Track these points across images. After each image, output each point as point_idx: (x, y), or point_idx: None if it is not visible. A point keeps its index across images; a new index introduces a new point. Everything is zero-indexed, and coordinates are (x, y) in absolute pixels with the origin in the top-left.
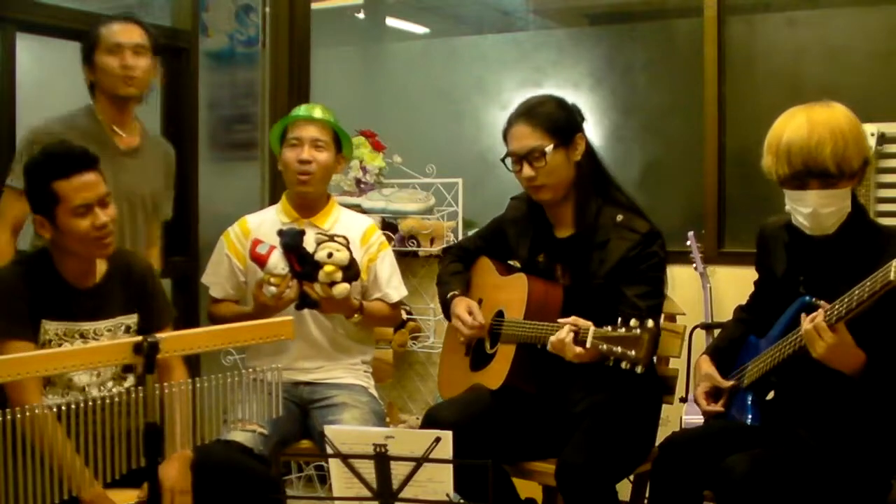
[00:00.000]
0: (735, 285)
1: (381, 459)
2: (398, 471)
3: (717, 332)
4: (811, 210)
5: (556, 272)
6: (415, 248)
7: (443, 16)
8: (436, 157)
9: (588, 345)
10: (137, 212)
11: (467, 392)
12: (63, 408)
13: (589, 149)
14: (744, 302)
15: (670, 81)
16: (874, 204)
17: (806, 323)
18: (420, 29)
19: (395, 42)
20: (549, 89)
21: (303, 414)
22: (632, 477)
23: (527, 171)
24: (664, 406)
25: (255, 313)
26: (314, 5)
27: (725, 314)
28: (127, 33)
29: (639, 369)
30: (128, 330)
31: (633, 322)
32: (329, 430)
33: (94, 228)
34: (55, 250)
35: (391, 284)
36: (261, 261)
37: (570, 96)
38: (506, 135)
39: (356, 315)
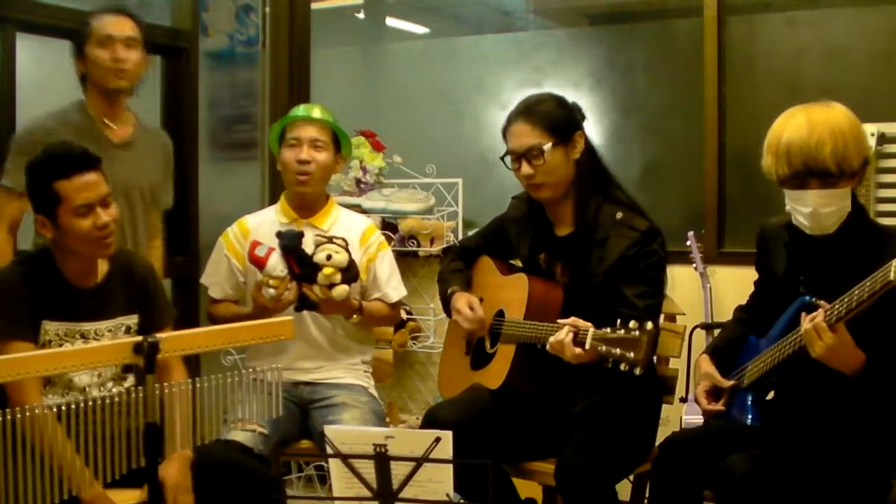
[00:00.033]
0: (735, 285)
1: (381, 459)
2: (398, 471)
3: (717, 332)
4: (811, 210)
5: (555, 270)
6: (415, 248)
7: (443, 16)
8: (436, 157)
9: (587, 346)
10: (135, 203)
11: (467, 392)
12: (63, 408)
13: (589, 147)
14: (744, 302)
15: (670, 81)
16: (874, 204)
17: (805, 323)
18: (420, 29)
19: (395, 42)
20: (549, 89)
21: (303, 414)
22: (632, 477)
23: (525, 169)
24: (664, 406)
25: (254, 315)
26: (314, 5)
27: (725, 314)
28: (118, 26)
29: (637, 371)
30: (128, 330)
31: (632, 324)
32: (329, 430)
33: (95, 228)
34: (56, 250)
35: (390, 284)
36: (259, 263)
37: (570, 96)
38: (505, 133)
39: (355, 315)
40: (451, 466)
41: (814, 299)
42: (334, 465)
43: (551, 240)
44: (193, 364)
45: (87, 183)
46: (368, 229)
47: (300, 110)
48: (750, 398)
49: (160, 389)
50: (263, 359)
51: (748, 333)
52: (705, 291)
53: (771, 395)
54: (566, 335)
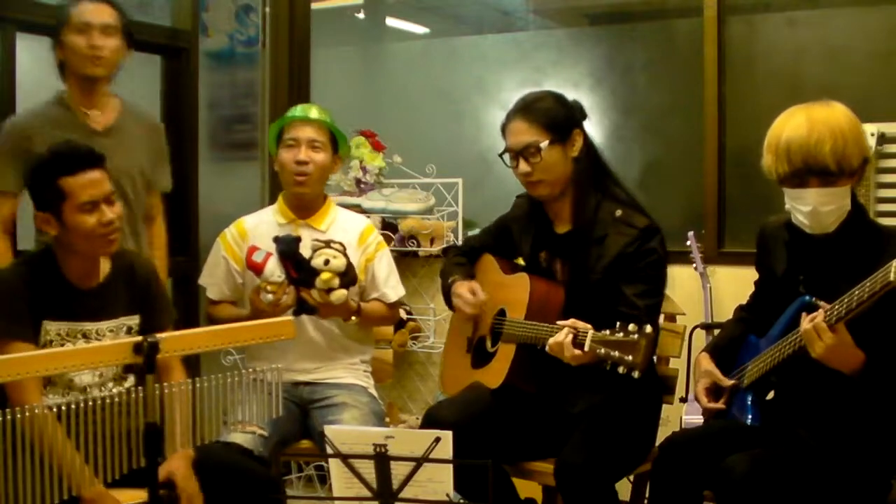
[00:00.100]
0: (735, 285)
1: (381, 459)
2: (398, 471)
3: (716, 332)
4: (811, 208)
5: (555, 268)
6: (415, 248)
7: (443, 16)
8: (436, 157)
9: (586, 348)
10: (126, 189)
11: (467, 391)
12: (63, 408)
13: (588, 145)
14: (744, 302)
15: (670, 81)
16: (874, 204)
17: (805, 323)
18: (420, 29)
19: (395, 42)
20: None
21: (303, 414)
22: (632, 477)
23: (523, 166)
24: (664, 406)
25: (252, 319)
26: (314, 5)
27: (725, 314)
28: (97, 13)
29: (635, 374)
30: (130, 331)
31: (631, 327)
32: (329, 430)
33: (100, 225)
34: (59, 249)
35: (388, 284)
36: (257, 269)
37: (570, 96)
38: (504, 130)
39: (353, 317)
40: (451, 466)
41: (814, 299)
42: (334, 465)
43: (551, 238)
44: (193, 364)
45: (92, 180)
46: (367, 229)
47: (298, 111)
48: (750, 398)
49: (160, 389)
50: (263, 360)
51: (748, 333)
52: (705, 291)
53: (771, 395)
54: (565, 336)
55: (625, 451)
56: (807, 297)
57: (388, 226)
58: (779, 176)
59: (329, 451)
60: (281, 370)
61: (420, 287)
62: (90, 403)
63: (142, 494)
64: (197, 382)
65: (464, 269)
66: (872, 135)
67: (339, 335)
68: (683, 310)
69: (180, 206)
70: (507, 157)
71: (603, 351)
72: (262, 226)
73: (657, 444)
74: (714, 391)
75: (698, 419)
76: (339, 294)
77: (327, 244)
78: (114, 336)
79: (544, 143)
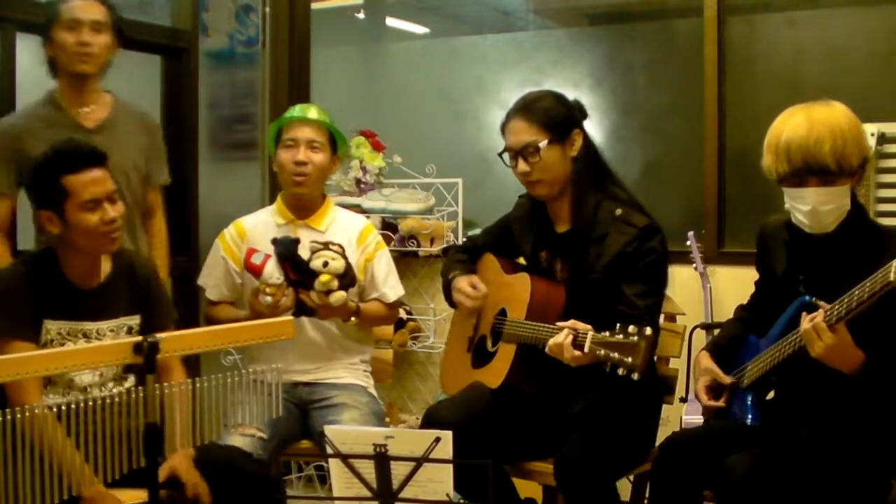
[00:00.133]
0: (735, 285)
1: (381, 459)
2: (398, 471)
3: (716, 332)
4: (810, 207)
5: (556, 268)
6: (415, 248)
7: (443, 16)
8: (436, 157)
9: (586, 349)
10: (121, 185)
11: (467, 391)
12: (63, 408)
13: (588, 144)
14: (744, 302)
15: (670, 81)
16: (874, 204)
17: (805, 323)
18: (420, 29)
19: (395, 42)
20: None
21: (302, 414)
22: (632, 477)
23: (522, 166)
24: (664, 406)
25: (251, 320)
26: (314, 5)
27: (725, 314)
28: (87, 9)
29: (635, 376)
30: (130, 331)
31: (631, 328)
32: (329, 430)
33: (102, 223)
34: (61, 248)
35: (388, 284)
36: (256, 271)
37: (570, 96)
38: (503, 129)
39: (353, 318)
40: (451, 466)
41: (814, 299)
42: (334, 465)
43: (552, 237)
44: (193, 364)
45: (94, 178)
46: (366, 229)
47: (297, 111)
48: (750, 398)
49: (160, 389)
50: (262, 361)
51: (748, 332)
52: (705, 291)
53: (771, 395)
54: (565, 337)
55: (624, 449)
56: (807, 297)
57: (388, 226)
58: (778, 175)
59: (329, 451)
60: (280, 370)
61: (420, 287)
62: (90, 403)
63: (142, 494)
64: (197, 383)
65: (464, 267)
66: (872, 135)
67: (339, 335)
68: (683, 310)
69: (180, 206)
70: (506, 156)
71: (603, 352)
72: (261, 226)
73: (657, 444)
74: (714, 389)
75: (698, 419)
76: (339, 296)
77: (326, 246)
78: (114, 336)
79: (543, 143)
